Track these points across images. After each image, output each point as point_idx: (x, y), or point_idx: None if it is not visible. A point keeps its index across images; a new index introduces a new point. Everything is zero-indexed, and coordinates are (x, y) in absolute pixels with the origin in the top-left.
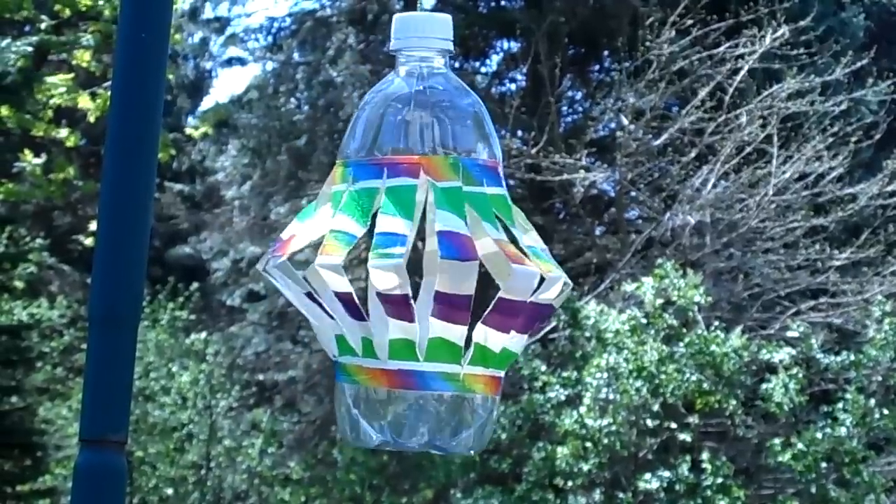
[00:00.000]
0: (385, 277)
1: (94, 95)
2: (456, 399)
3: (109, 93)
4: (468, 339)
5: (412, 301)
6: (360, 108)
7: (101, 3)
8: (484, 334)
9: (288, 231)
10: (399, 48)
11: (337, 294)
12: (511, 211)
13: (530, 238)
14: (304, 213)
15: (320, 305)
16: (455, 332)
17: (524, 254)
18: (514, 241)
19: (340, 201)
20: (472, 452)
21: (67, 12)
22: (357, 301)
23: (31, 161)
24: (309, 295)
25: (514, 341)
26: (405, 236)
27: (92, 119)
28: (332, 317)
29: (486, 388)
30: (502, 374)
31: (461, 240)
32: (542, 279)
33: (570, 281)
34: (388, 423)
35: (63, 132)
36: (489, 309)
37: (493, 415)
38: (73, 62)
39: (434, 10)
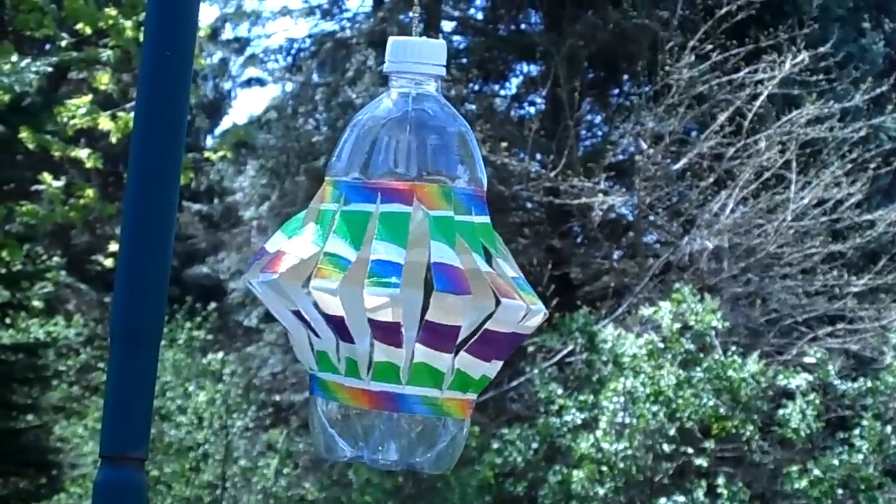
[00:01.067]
0: (380, 304)
1: (114, 117)
2: (429, 419)
3: (131, 114)
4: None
5: (402, 329)
6: (350, 127)
7: (122, 22)
8: (466, 362)
9: (273, 244)
10: (392, 71)
11: (327, 316)
12: (496, 240)
13: (512, 269)
14: (289, 226)
15: (307, 324)
16: (440, 360)
17: (510, 286)
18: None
19: (331, 221)
20: (444, 471)
21: (88, 30)
22: (347, 325)
23: (50, 184)
24: (296, 313)
25: (491, 367)
26: (400, 265)
27: (114, 140)
28: (318, 335)
29: (461, 411)
30: (475, 397)
31: (455, 273)
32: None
33: (546, 312)
34: (359, 439)
35: (83, 153)
36: (474, 339)
37: (463, 434)
38: (94, 84)
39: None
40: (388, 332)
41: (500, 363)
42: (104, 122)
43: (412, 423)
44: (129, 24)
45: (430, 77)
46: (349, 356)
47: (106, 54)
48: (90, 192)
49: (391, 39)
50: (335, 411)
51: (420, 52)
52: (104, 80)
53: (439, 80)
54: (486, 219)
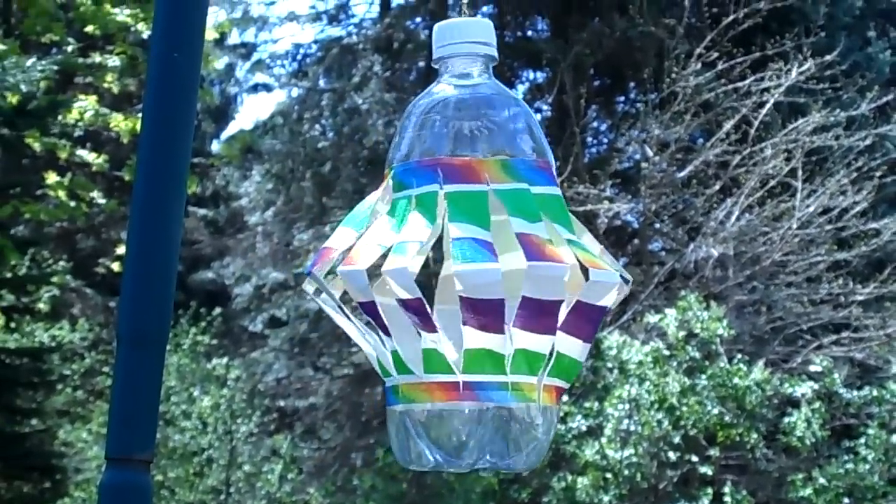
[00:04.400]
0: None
1: (125, 117)
2: (508, 415)
3: (140, 114)
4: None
5: (428, 309)
6: (405, 116)
7: (132, 25)
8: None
9: (339, 240)
10: (441, 56)
11: (365, 305)
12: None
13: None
14: (350, 221)
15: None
16: (493, 342)
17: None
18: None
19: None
20: (527, 469)
21: (98, 32)
22: (381, 314)
23: (55, 182)
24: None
25: (538, 342)
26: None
27: (125, 140)
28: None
29: (540, 396)
30: (553, 381)
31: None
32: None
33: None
34: (440, 443)
35: (90, 156)
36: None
37: (550, 428)
38: (97, 85)
39: None
40: (416, 314)
41: (551, 337)
42: (115, 123)
43: (493, 423)
44: (142, 26)
45: (481, 57)
46: (393, 350)
47: (112, 60)
48: (94, 191)
49: (437, 26)
50: (413, 418)
51: (466, 34)
52: (108, 78)
53: (492, 61)
54: (550, 189)
